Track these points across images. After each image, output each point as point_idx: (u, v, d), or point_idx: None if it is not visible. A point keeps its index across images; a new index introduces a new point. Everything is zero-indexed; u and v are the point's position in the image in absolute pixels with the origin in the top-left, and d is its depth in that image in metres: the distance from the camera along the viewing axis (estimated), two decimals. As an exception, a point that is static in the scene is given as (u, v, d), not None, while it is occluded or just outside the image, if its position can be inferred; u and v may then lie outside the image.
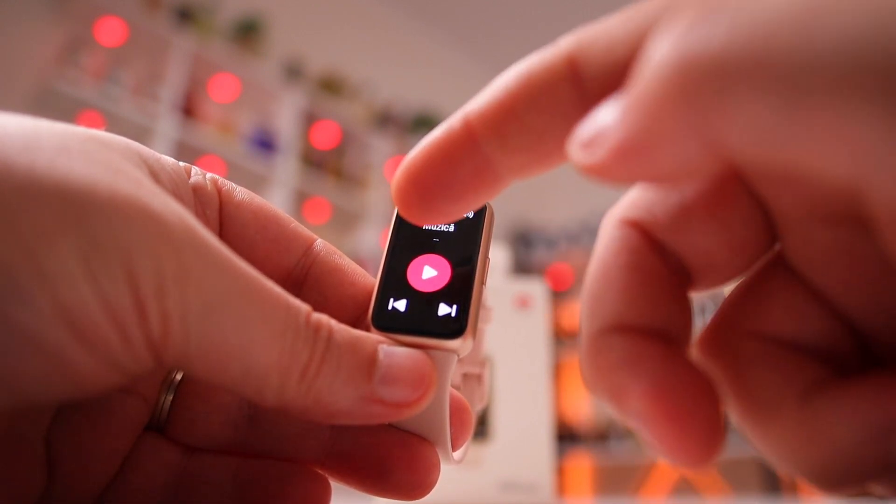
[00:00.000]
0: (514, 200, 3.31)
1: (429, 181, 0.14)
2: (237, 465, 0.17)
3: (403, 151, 2.62)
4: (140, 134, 1.88)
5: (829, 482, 0.11)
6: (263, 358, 0.14)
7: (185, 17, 2.10)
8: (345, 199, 2.38)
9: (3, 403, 0.12)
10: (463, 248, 0.18)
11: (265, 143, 2.21)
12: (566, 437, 2.80)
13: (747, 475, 2.46)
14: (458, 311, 0.16)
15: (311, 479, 0.17)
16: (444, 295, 0.17)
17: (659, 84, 0.10)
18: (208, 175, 0.18)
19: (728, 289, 0.15)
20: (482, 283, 0.17)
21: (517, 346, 0.49)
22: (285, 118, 2.27)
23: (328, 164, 2.41)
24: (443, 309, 0.16)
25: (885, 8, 0.08)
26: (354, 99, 2.54)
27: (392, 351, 0.16)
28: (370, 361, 0.15)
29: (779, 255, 0.13)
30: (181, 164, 0.18)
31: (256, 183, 2.16)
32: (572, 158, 0.12)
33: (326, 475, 0.18)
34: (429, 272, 0.17)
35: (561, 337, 2.98)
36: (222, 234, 0.18)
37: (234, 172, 2.11)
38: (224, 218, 0.18)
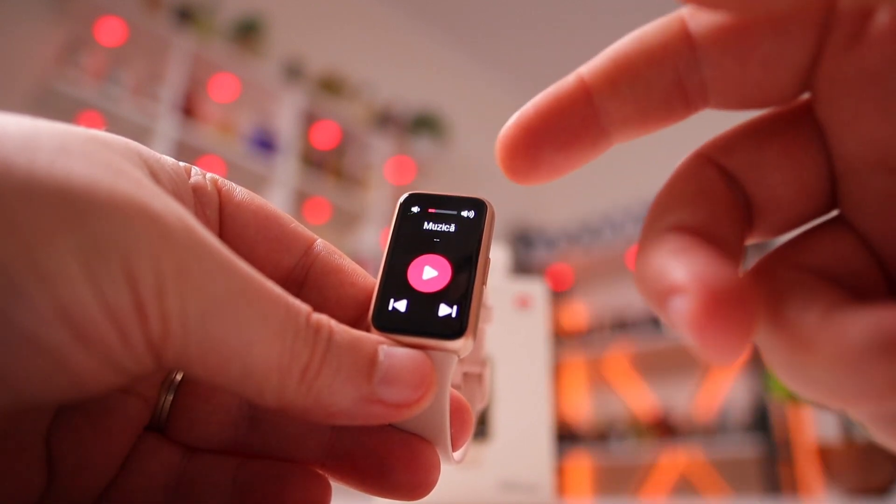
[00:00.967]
0: (514, 200, 3.31)
1: (539, 130, 0.14)
2: (237, 466, 0.17)
3: (403, 151, 2.62)
4: (140, 134, 1.88)
5: (839, 394, 0.12)
6: (263, 358, 0.13)
7: (185, 17, 2.10)
8: (345, 199, 2.38)
9: (2, 403, 0.12)
10: (463, 248, 0.18)
11: (265, 143, 2.21)
12: (566, 437, 2.80)
13: (747, 475, 2.46)
14: (458, 311, 0.16)
15: (312, 479, 0.17)
16: (445, 295, 0.17)
17: None
18: (208, 175, 0.18)
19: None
20: (483, 283, 0.17)
21: (517, 346, 0.49)
22: (285, 118, 2.27)
23: (328, 164, 2.41)
24: (443, 309, 0.16)
25: None
26: (354, 99, 2.54)
27: (392, 351, 0.15)
28: (370, 362, 0.15)
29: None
30: (181, 164, 0.17)
31: (256, 183, 2.16)
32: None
33: (326, 475, 0.18)
34: (429, 272, 0.17)
35: (561, 337, 2.98)
36: (222, 234, 0.18)
37: (234, 172, 2.11)
38: (224, 218, 0.18)
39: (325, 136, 2.47)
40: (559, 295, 3.14)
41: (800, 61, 0.13)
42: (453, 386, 0.18)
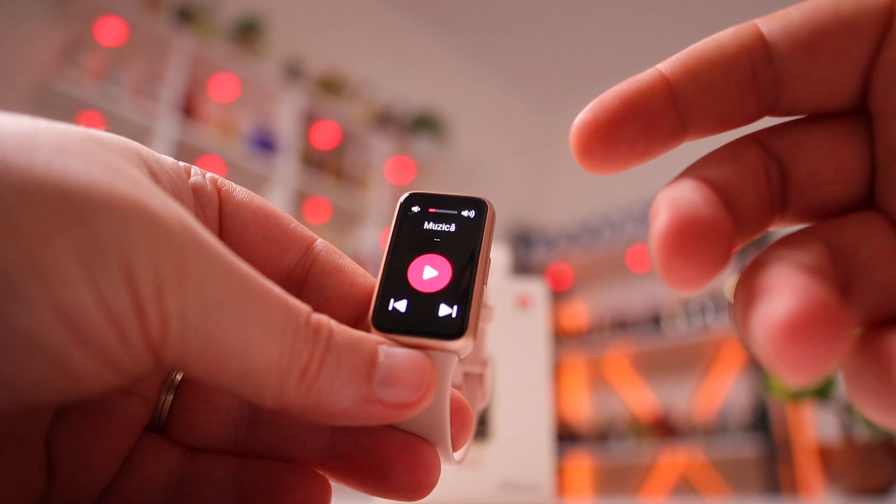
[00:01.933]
0: (514, 200, 3.31)
1: (619, 115, 0.14)
2: (237, 466, 0.17)
3: (403, 151, 2.62)
4: (140, 134, 1.88)
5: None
6: (263, 359, 0.13)
7: (185, 17, 2.10)
8: (345, 199, 2.38)
9: (2, 404, 0.12)
10: (464, 248, 0.18)
11: (265, 143, 2.21)
12: (566, 437, 2.80)
13: (747, 475, 2.46)
14: (458, 311, 0.16)
15: (312, 479, 0.17)
16: (445, 295, 0.17)
17: None
18: (208, 175, 0.18)
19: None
20: (483, 283, 0.17)
21: (517, 346, 0.49)
22: (285, 118, 2.27)
23: (328, 164, 2.41)
24: (443, 309, 0.16)
25: None
26: (354, 99, 2.54)
27: (392, 352, 0.15)
28: (370, 362, 0.15)
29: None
30: (181, 163, 0.17)
31: (256, 183, 2.16)
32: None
33: (327, 476, 0.18)
34: (429, 272, 0.17)
35: (561, 337, 2.98)
36: (222, 234, 0.18)
37: (234, 172, 2.11)
38: (224, 218, 0.18)
39: (325, 136, 2.47)
40: (559, 295, 3.14)
41: (864, 52, 0.14)
42: (454, 386, 0.18)
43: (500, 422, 0.47)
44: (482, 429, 0.47)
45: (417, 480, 0.17)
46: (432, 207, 0.18)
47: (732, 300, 0.14)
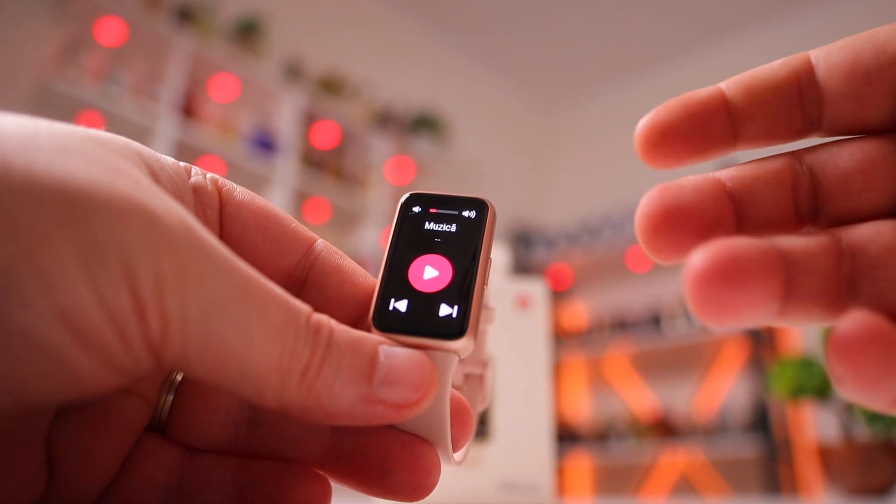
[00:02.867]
0: (514, 200, 3.31)
1: (678, 115, 0.16)
2: (237, 466, 0.17)
3: (403, 151, 2.62)
4: (140, 134, 1.88)
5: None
6: (263, 359, 0.13)
7: (185, 17, 2.10)
8: (345, 199, 2.38)
9: (2, 404, 0.12)
10: (464, 248, 0.18)
11: (265, 143, 2.21)
12: (566, 437, 2.80)
13: (747, 475, 2.46)
14: (459, 311, 0.16)
15: (312, 479, 0.17)
16: (446, 295, 0.17)
17: None
18: (208, 175, 0.18)
19: None
20: (483, 283, 0.17)
21: (517, 346, 0.49)
22: (285, 118, 2.27)
23: (328, 164, 2.41)
24: (444, 309, 0.16)
25: None
26: (354, 99, 2.54)
27: (393, 352, 0.15)
28: (371, 362, 0.15)
29: None
30: (181, 163, 0.17)
31: (256, 183, 2.16)
32: None
33: (327, 476, 0.18)
34: (430, 272, 0.17)
35: (561, 337, 2.98)
36: (223, 234, 0.18)
37: (234, 172, 2.11)
38: (224, 218, 0.18)
39: (325, 136, 2.47)
40: (559, 295, 3.14)
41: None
42: (454, 387, 0.18)
43: (500, 422, 0.47)
44: (482, 429, 0.47)
45: (417, 481, 0.17)
46: (433, 208, 0.18)
47: None
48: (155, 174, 0.15)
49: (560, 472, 2.80)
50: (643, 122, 0.17)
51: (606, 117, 3.33)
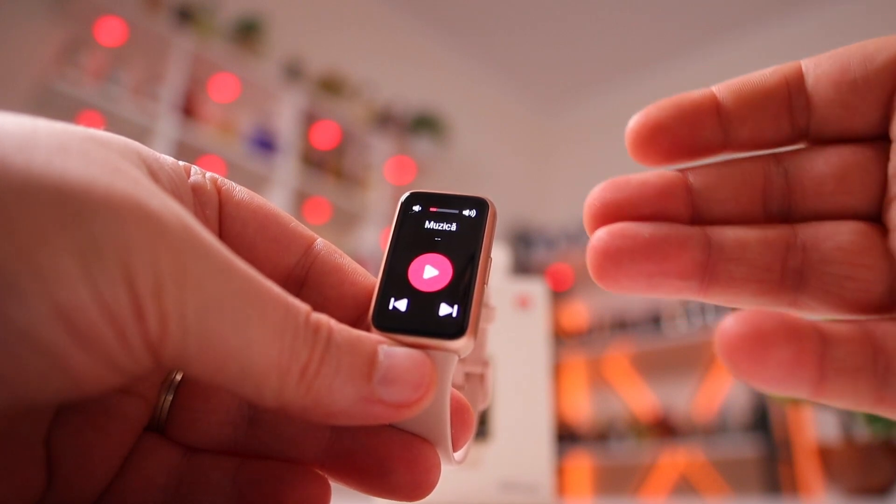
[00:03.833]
0: (514, 200, 3.31)
1: (669, 114, 0.16)
2: (237, 466, 0.17)
3: (403, 151, 2.62)
4: (140, 134, 1.88)
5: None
6: (262, 358, 0.13)
7: (185, 17, 2.10)
8: (345, 199, 2.38)
9: (1, 403, 0.12)
10: (465, 247, 0.17)
11: (265, 143, 2.21)
12: (566, 437, 2.80)
13: (747, 475, 2.46)
14: (459, 311, 0.16)
15: (311, 479, 0.17)
16: (446, 295, 0.17)
17: None
18: (208, 174, 0.18)
19: None
20: (484, 283, 0.17)
21: (517, 346, 0.49)
22: (285, 118, 2.27)
23: (328, 164, 2.41)
24: (444, 309, 0.16)
25: None
26: (354, 99, 2.54)
27: (392, 351, 0.15)
28: (370, 361, 0.15)
29: None
30: (181, 163, 0.17)
31: (256, 183, 2.16)
32: None
33: (326, 475, 0.18)
34: (430, 272, 0.17)
35: (561, 337, 2.98)
36: (222, 233, 0.18)
37: (234, 172, 2.11)
38: (224, 217, 0.18)
39: (325, 136, 2.46)
40: (559, 295, 3.14)
41: (882, 84, 0.15)
42: (455, 386, 0.18)
43: (500, 422, 0.47)
44: (482, 429, 0.47)
45: (417, 480, 0.17)
46: (433, 207, 0.18)
47: None
48: (154, 174, 0.15)
49: (560, 472, 2.80)
50: (634, 120, 0.17)
51: (606, 117, 3.33)
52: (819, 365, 0.14)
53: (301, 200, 2.31)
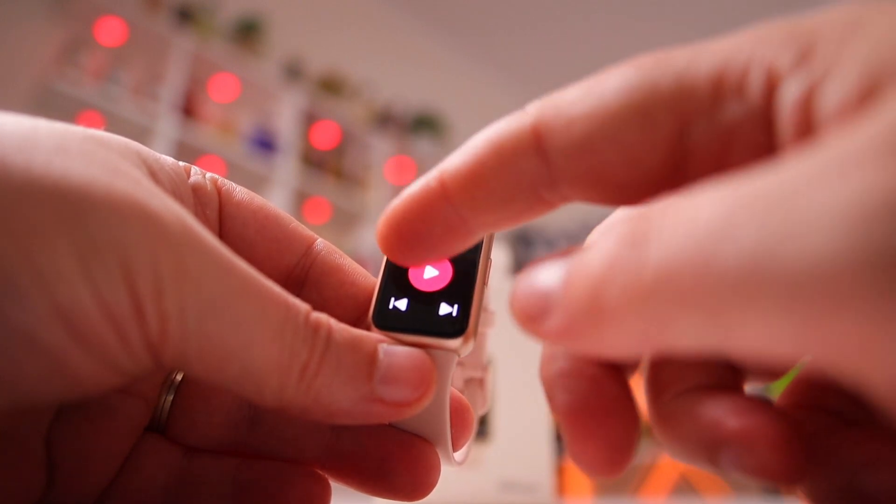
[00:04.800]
0: (514, 200, 3.30)
1: (407, 233, 0.15)
2: (237, 466, 0.17)
3: (403, 151, 2.62)
4: (140, 134, 1.88)
5: (679, 459, 0.13)
6: (262, 357, 0.13)
7: (185, 17, 2.10)
8: (345, 199, 2.38)
9: (2, 403, 0.12)
10: None
11: (265, 143, 2.21)
12: (566, 437, 2.79)
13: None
14: (459, 310, 0.16)
15: (312, 479, 0.17)
16: (446, 294, 0.17)
17: (596, 303, 0.11)
18: (208, 175, 0.18)
19: None
20: (484, 283, 0.17)
21: (517, 347, 0.49)
22: (285, 118, 2.27)
23: (328, 164, 2.41)
24: (444, 308, 0.16)
25: (766, 229, 0.09)
26: (354, 99, 2.54)
27: (392, 350, 0.15)
28: (370, 361, 0.15)
29: None
30: (181, 163, 0.17)
31: (256, 183, 2.16)
32: (514, 316, 0.13)
33: (326, 475, 0.18)
34: (430, 272, 0.17)
35: (561, 337, 2.98)
36: (222, 233, 0.18)
37: (234, 172, 2.11)
38: (224, 217, 0.18)
39: (325, 136, 2.46)
40: (559, 295, 3.13)
41: (665, 138, 0.12)
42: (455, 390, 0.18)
43: (500, 422, 0.47)
44: (482, 429, 0.47)
45: (417, 480, 0.17)
46: None
47: None
48: (154, 174, 0.15)
49: (560, 472, 2.80)
50: (377, 234, 0.16)
51: (606, 117, 3.32)
52: None
53: (301, 200, 2.31)
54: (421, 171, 2.72)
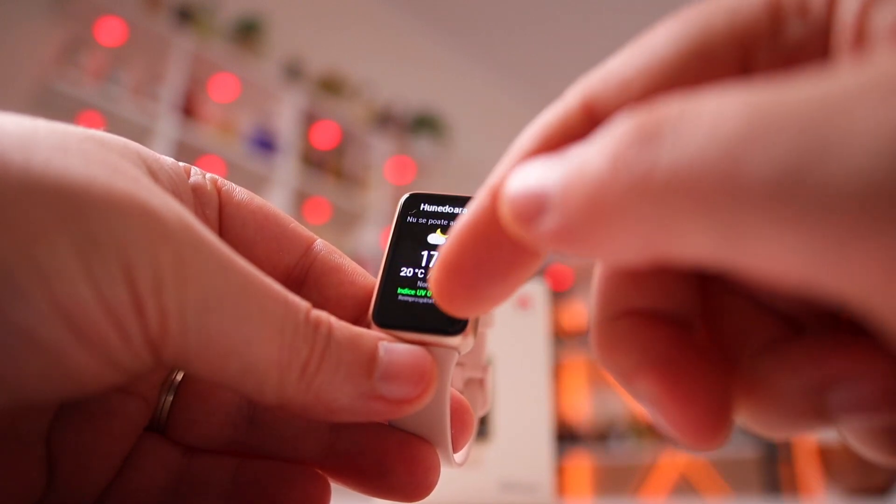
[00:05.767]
0: (514, 200, 3.30)
1: (469, 268, 0.13)
2: (237, 466, 0.17)
3: (403, 151, 2.62)
4: (140, 134, 1.88)
5: (769, 429, 0.12)
6: (263, 354, 0.13)
7: (185, 17, 2.10)
8: (345, 199, 2.38)
9: (2, 402, 0.12)
10: None
11: (265, 143, 2.21)
12: (566, 437, 2.80)
13: (747, 475, 2.46)
14: None
15: (311, 479, 0.17)
16: None
17: (598, 202, 0.10)
18: (208, 175, 0.18)
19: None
20: None
21: (517, 346, 0.49)
22: (285, 118, 2.27)
23: (328, 164, 2.41)
24: None
25: (802, 140, 0.08)
26: (354, 99, 2.54)
27: (392, 347, 0.15)
28: (370, 358, 0.15)
29: None
30: (181, 164, 0.17)
31: (256, 183, 2.16)
32: (504, 217, 0.12)
33: (326, 476, 0.18)
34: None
35: (561, 337, 2.98)
36: (222, 233, 0.18)
37: (234, 172, 2.11)
38: (224, 217, 0.18)
39: (325, 136, 2.46)
40: (559, 295, 3.14)
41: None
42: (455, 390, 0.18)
43: (500, 422, 0.47)
44: (482, 429, 0.47)
45: (416, 480, 0.17)
46: (432, 207, 0.18)
47: None
48: (154, 173, 0.15)
49: (560, 472, 2.80)
50: (431, 287, 0.14)
51: (606, 117, 3.32)
52: None
53: (301, 200, 2.31)
54: (421, 171, 2.72)
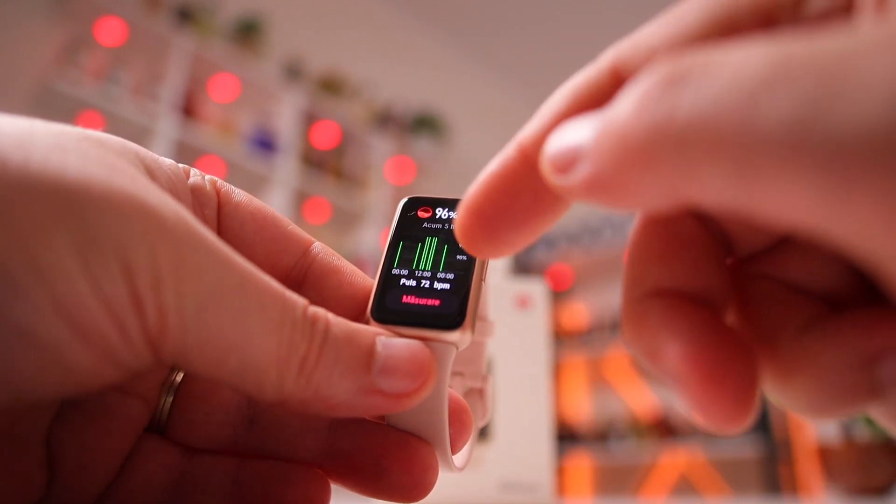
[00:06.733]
0: (514, 200, 3.30)
1: (490, 213, 0.14)
2: (237, 466, 0.17)
3: (403, 151, 2.62)
4: (140, 134, 1.88)
5: (817, 409, 0.12)
6: (261, 351, 0.14)
7: (185, 17, 2.10)
8: (345, 199, 2.38)
9: (1, 400, 0.12)
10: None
11: (265, 143, 2.21)
12: (566, 437, 2.80)
13: (747, 475, 2.46)
14: (457, 303, 0.16)
15: (311, 479, 0.17)
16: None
17: (624, 147, 0.10)
18: (207, 176, 0.18)
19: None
20: (481, 278, 0.17)
21: (517, 346, 0.49)
22: (285, 118, 2.27)
23: (328, 164, 2.41)
24: None
25: (815, 92, 0.08)
26: (354, 99, 2.54)
27: (390, 342, 0.16)
28: (368, 352, 0.15)
29: None
30: (180, 165, 0.18)
31: (256, 183, 2.16)
32: (545, 172, 0.12)
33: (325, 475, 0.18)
34: None
35: (561, 337, 2.98)
36: (220, 234, 0.18)
37: (234, 172, 2.11)
38: (222, 218, 0.18)
39: (325, 136, 2.46)
40: (559, 295, 3.14)
41: None
42: None
43: (500, 422, 0.47)
44: (482, 429, 0.47)
45: (414, 481, 0.17)
46: (432, 208, 0.19)
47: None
48: (152, 173, 0.15)
49: (560, 472, 2.80)
50: (455, 229, 0.14)
51: (606, 117, 3.31)
52: None
53: (301, 200, 2.31)
54: (421, 171, 2.72)
